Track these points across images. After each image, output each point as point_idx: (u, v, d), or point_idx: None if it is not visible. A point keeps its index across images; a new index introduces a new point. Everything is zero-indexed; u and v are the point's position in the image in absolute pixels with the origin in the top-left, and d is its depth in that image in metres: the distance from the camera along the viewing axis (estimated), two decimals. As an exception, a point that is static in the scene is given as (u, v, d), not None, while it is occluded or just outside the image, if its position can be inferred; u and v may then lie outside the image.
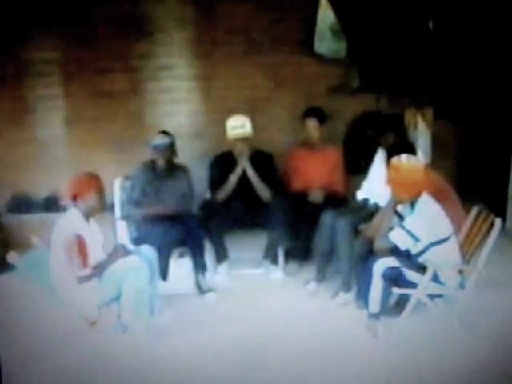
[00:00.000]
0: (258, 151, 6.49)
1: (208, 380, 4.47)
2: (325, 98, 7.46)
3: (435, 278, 4.81)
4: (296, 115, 7.09)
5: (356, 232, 5.65)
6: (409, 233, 4.80)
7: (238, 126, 6.35)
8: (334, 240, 5.79)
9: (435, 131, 7.24)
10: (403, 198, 4.94)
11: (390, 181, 4.95)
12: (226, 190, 6.38)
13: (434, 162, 6.75)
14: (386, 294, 4.89)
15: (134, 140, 6.67)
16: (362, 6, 6.66)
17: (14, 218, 7.28)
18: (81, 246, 4.72)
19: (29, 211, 7.34)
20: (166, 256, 5.71)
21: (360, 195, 6.26)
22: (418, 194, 4.89)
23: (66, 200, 5.00)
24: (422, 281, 4.77)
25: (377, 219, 5.21)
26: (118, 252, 5.13)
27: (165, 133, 6.20)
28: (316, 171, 6.71)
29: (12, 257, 4.71)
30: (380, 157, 6.12)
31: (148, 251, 5.27)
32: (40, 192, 7.35)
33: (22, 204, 7.39)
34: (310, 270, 6.20)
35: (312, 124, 6.66)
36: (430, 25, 6.88)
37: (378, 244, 5.03)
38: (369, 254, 5.18)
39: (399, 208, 5.08)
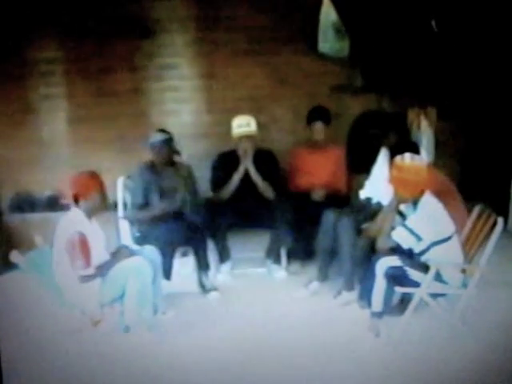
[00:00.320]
0: (260, 150, 6.48)
1: (211, 378, 4.47)
2: (328, 97, 7.47)
3: (438, 277, 4.81)
4: (299, 114, 7.09)
5: (358, 231, 5.65)
6: (411, 232, 4.80)
7: (244, 124, 6.34)
8: (336, 239, 5.78)
9: (438, 131, 7.23)
10: (406, 197, 4.94)
11: (393, 180, 4.95)
12: (228, 189, 6.38)
13: (437, 162, 6.74)
14: (389, 293, 4.90)
15: (137, 139, 6.66)
16: (365, 5, 6.67)
17: (17, 217, 7.29)
18: (83, 245, 4.72)
19: (32, 210, 7.35)
20: (169, 255, 5.69)
21: (363, 194, 6.25)
22: (421, 193, 4.88)
23: (67, 200, 4.98)
24: (425, 280, 4.76)
25: (379, 218, 5.21)
26: (122, 253, 5.14)
27: (162, 131, 6.16)
28: (319, 170, 6.71)
29: (15, 256, 4.71)
30: (383, 156, 6.12)
31: (151, 251, 5.27)
32: (43, 191, 7.35)
33: (25, 203, 7.40)
34: (312, 270, 6.19)
35: (318, 127, 6.64)
36: (433, 24, 6.88)
37: (381, 243, 5.02)
38: (371, 253, 5.19)
39: (402, 207, 5.07)
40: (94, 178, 5.03)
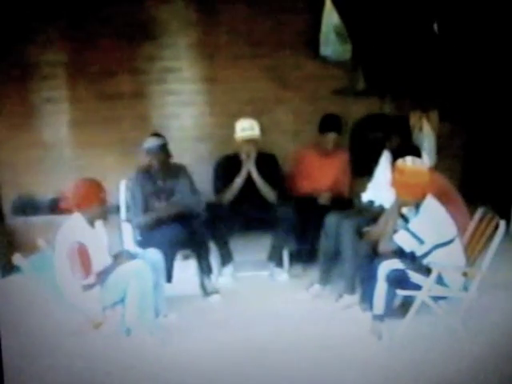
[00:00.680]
0: (262, 153, 6.48)
1: (212, 381, 4.48)
2: (330, 100, 7.47)
3: (439, 280, 4.82)
4: (301, 118, 7.11)
5: (360, 234, 5.65)
6: (413, 235, 4.81)
7: (247, 127, 6.36)
8: (338, 242, 5.79)
9: (440, 133, 7.24)
10: (408, 201, 4.95)
11: (395, 183, 4.96)
12: (231, 192, 6.39)
13: (439, 164, 6.74)
14: (391, 296, 4.90)
15: (139, 142, 6.63)
16: (367, 8, 6.67)
17: (20, 219, 7.28)
18: (83, 255, 4.70)
19: (34, 213, 7.34)
20: (170, 258, 5.69)
21: (365, 197, 6.25)
22: (423, 197, 4.89)
23: (68, 208, 4.98)
24: (427, 283, 4.78)
25: (381, 221, 5.22)
26: (123, 256, 5.15)
27: (156, 135, 6.16)
28: (324, 173, 6.73)
29: (17, 259, 4.71)
30: (385, 159, 6.12)
31: (154, 254, 5.28)
32: (46, 194, 7.35)
33: (28, 206, 7.39)
34: (314, 273, 6.19)
35: (330, 137, 6.64)
36: (435, 27, 6.88)
37: (383, 246, 5.03)
38: (373, 256, 5.19)
39: (404, 210, 5.08)
40: (95, 187, 5.03)
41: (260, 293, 6.11)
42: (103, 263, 4.98)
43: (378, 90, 7.44)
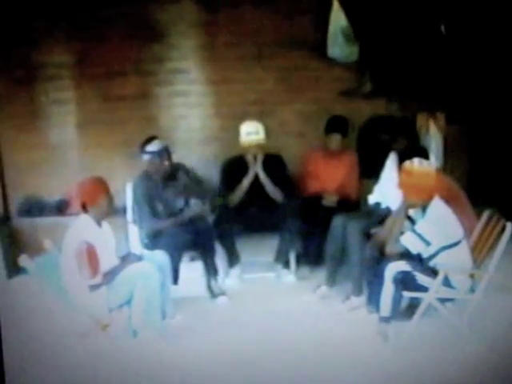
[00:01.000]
0: (269, 155, 6.48)
1: (219, 382, 4.48)
2: (337, 102, 7.46)
3: (446, 282, 4.81)
4: (307, 119, 7.11)
5: (367, 236, 5.65)
6: (420, 237, 4.80)
7: (253, 132, 6.35)
8: (345, 244, 5.79)
9: (447, 135, 7.23)
10: (415, 202, 4.94)
11: (402, 185, 4.95)
12: (238, 194, 6.39)
13: (446, 166, 6.74)
14: (397, 297, 4.88)
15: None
16: (374, 10, 6.66)
17: (26, 221, 7.29)
18: (91, 255, 4.71)
19: (41, 214, 7.34)
20: (176, 260, 5.69)
21: (372, 199, 6.24)
22: (430, 198, 4.88)
23: (74, 207, 4.99)
24: (433, 285, 4.76)
25: (388, 223, 5.21)
26: (129, 258, 5.15)
27: (154, 138, 6.06)
28: (332, 175, 6.72)
29: (24, 260, 4.72)
30: (392, 161, 6.11)
31: (161, 256, 5.29)
32: (52, 195, 7.36)
33: (35, 207, 7.39)
34: (321, 274, 6.19)
35: (335, 138, 6.64)
36: (443, 29, 6.87)
37: (390, 248, 5.01)
38: (380, 258, 5.18)
39: (411, 212, 5.07)
40: (100, 183, 5.05)
41: (267, 294, 6.12)
42: (110, 263, 4.98)
43: (385, 91, 7.43)
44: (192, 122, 7.60)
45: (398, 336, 4.90)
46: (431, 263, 4.90)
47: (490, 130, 7.41)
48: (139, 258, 5.17)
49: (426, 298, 4.83)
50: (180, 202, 6.12)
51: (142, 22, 7.21)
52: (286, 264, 6.51)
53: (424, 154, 5.47)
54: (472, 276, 4.92)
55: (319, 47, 7.29)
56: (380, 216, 5.73)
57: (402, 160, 5.27)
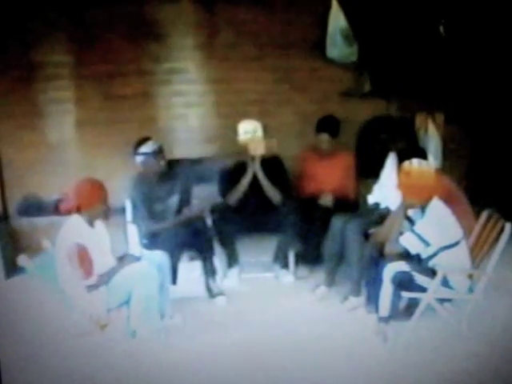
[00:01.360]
0: (267, 155, 6.47)
1: (218, 383, 4.48)
2: (336, 102, 7.47)
3: (445, 283, 4.81)
4: (307, 119, 7.10)
5: (366, 236, 5.65)
6: (419, 237, 4.80)
7: (251, 130, 6.34)
8: (344, 244, 5.79)
9: (446, 136, 7.24)
10: (414, 203, 4.94)
11: (401, 185, 4.95)
12: (237, 193, 6.38)
13: (445, 167, 6.74)
14: (396, 298, 4.89)
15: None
16: (374, 10, 6.67)
17: (25, 220, 7.28)
18: (83, 257, 4.69)
19: (39, 214, 7.33)
20: (175, 260, 5.69)
21: (371, 199, 6.25)
22: (429, 199, 4.88)
23: (68, 209, 4.97)
24: (432, 285, 4.77)
25: (387, 223, 5.21)
26: (127, 259, 5.15)
27: (147, 139, 5.99)
28: (328, 176, 6.71)
29: (22, 259, 4.71)
30: (391, 161, 6.12)
31: (160, 256, 5.28)
32: (50, 195, 7.34)
33: (33, 207, 7.38)
34: (320, 274, 6.19)
35: (323, 138, 6.64)
36: (441, 29, 6.88)
37: (389, 248, 5.02)
38: (379, 258, 5.18)
39: (410, 212, 5.08)
40: (97, 187, 5.01)
41: (265, 294, 6.12)
42: (106, 263, 4.97)
43: (384, 92, 7.44)
44: (191, 122, 7.60)
45: (396, 336, 4.91)
46: (430, 263, 4.90)
47: (489, 130, 7.41)
48: (137, 258, 5.16)
49: (425, 299, 4.84)
50: (176, 201, 6.11)
51: (141, 21, 7.21)
52: (285, 264, 6.50)
53: (422, 154, 5.48)
54: (471, 276, 4.94)
55: (318, 47, 7.30)
56: (379, 216, 5.73)
57: (400, 160, 5.28)
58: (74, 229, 4.86)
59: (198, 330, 5.30)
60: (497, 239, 4.84)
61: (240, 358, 4.80)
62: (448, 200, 5.00)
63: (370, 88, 7.47)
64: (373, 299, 5.22)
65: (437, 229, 4.78)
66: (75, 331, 4.99)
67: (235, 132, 6.45)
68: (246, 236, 6.41)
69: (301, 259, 6.59)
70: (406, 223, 5.06)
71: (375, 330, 5.03)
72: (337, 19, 7.09)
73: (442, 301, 4.93)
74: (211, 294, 6.02)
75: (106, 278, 4.87)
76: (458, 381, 4.41)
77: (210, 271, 6.06)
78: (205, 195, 6.54)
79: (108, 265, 4.99)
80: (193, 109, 7.59)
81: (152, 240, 5.87)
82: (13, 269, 6.18)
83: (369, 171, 6.70)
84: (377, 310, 5.04)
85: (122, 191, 6.22)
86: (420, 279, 4.84)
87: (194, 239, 5.95)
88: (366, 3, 6.76)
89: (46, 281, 4.87)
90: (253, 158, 6.34)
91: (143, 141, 5.98)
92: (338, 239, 5.84)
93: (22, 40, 7.05)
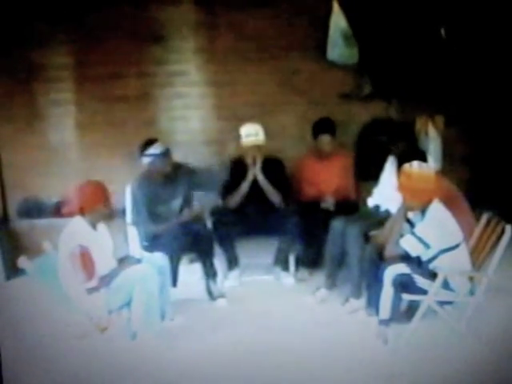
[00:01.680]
0: (268, 158, 6.48)
1: (218, 385, 4.49)
2: (336, 104, 7.47)
3: (445, 285, 4.81)
4: (307, 122, 7.10)
5: (367, 238, 5.65)
6: (419, 240, 4.80)
7: (252, 133, 6.34)
8: (344, 246, 5.79)
9: (446, 138, 7.24)
10: (414, 205, 4.94)
11: (402, 188, 4.95)
12: (237, 196, 6.39)
13: (445, 169, 6.73)
14: (397, 300, 4.88)
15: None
16: (375, 12, 6.68)
17: (25, 222, 7.29)
18: (85, 259, 4.69)
19: (40, 216, 7.34)
20: (175, 262, 5.67)
21: (371, 202, 6.24)
22: (429, 201, 4.88)
23: (70, 211, 4.97)
24: (432, 287, 4.77)
25: (388, 226, 5.21)
26: (128, 261, 5.15)
27: (154, 141, 6.02)
28: (327, 178, 6.71)
29: (23, 261, 4.71)
30: (391, 164, 6.11)
31: (160, 258, 5.28)
32: (51, 197, 7.35)
33: (34, 209, 7.39)
34: (320, 277, 6.19)
35: (325, 139, 6.64)
36: (442, 32, 6.88)
37: (389, 251, 5.02)
38: (379, 261, 5.18)
39: (410, 215, 5.07)
40: (100, 189, 5.02)
41: (266, 297, 6.11)
42: (108, 266, 4.98)
43: (385, 94, 7.44)
44: (192, 124, 7.61)
45: (397, 339, 4.90)
46: (430, 266, 4.90)
47: (489, 132, 7.41)
48: (138, 260, 5.16)
49: (425, 301, 4.83)
50: (179, 204, 6.11)
51: (142, 24, 7.22)
52: (285, 266, 6.50)
53: (422, 157, 5.47)
54: (471, 279, 4.93)
55: (319, 50, 7.30)
56: (379, 218, 5.72)
57: (400, 163, 5.28)
58: (76, 231, 4.87)
59: (199, 332, 5.30)
60: (497, 242, 4.83)
61: (240, 360, 4.80)
62: (448, 202, 5.00)
63: (370, 90, 7.47)
64: (373, 302, 5.21)
65: (437, 231, 4.78)
66: (76, 333, 4.99)
67: (235, 134, 6.46)
68: (246, 238, 6.41)
69: (301, 261, 6.58)
70: (406, 226, 5.06)
71: (376, 332, 5.02)
72: (338, 21, 7.09)
73: (442, 303, 4.92)
74: (212, 296, 6.01)
75: (107, 280, 4.87)
76: (459, 383, 4.41)
77: (210, 274, 6.05)
78: (205, 198, 6.53)
79: (109, 267, 4.99)
80: (193, 111, 7.60)
81: (152, 242, 5.88)
82: (13, 270, 6.18)
83: (369, 174, 6.69)
84: (377, 312, 5.03)
85: (122, 193, 6.23)
86: (420, 282, 4.84)
87: (194, 242, 5.94)
88: (367, 5, 6.77)
89: (47, 283, 4.88)
90: (254, 161, 6.35)
91: (151, 142, 6.00)
92: (338, 242, 5.84)
93: (24, 42, 7.06)
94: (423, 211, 4.92)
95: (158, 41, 7.30)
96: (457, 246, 4.84)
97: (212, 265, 6.07)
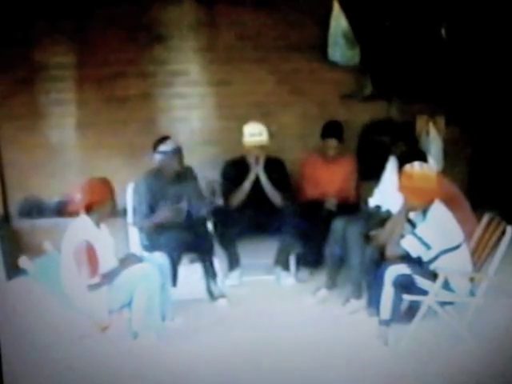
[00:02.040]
0: (270, 158, 6.49)
1: (218, 385, 4.49)
2: (337, 104, 7.48)
3: (446, 286, 4.81)
4: (308, 122, 7.11)
5: (367, 239, 5.64)
6: (420, 240, 4.80)
7: (256, 133, 6.35)
8: (345, 247, 5.78)
9: (447, 138, 7.24)
10: (415, 205, 4.94)
11: (403, 188, 4.95)
12: (239, 196, 6.40)
13: (446, 169, 6.73)
14: (397, 301, 4.89)
15: (146, 145, 6.65)
16: (375, 13, 6.67)
17: (26, 222, 7.28)
18: (90, 255, 4.71)
19: (41, 215, 7.33)
20: (175, 262, 5.66)
21: (372, 202, 6.24)
22: (430, 202, 4.88)
23: (77, 207, 4.97)
24: (433, 288, 4.77)
25: (389, 226, 5.21)
26: (129, 260, 5.15)
27: (167, 137, 6.08)
28: (332, 180, 6.73)
29: (24, 261, 4.71)
30: (392, 164, 6.11)
31: (160, 258, 5.28)
32: (52, 196, 7.35)
33: (35, 208, 7.38)
34: (321, 277, 6.19)
35: (331, 143, 6.66)
36: (443, 32, 6.88)
37: (390, 251, 5.02)
38: (380, 261, 5.18)
39: (411, 215, 5.07)
40: (107, 184, 5.05)
41: (266, 297, 6.11)
42: (109, 264, 4.98)
43: (386, 94, 7.44)
44: (193, 124, 7.61)
45: (397, 339, 4.90)
46: (431, 266, 4.90)
47: (490, 132, 7.41)
48: (139, 260, 5.16)
49: (426, 302, 4.83)
50: (184, 203, 6.11)
51: (143, 23, 7.21)
52: (286, 267, 6.49)
53: (423, 157, 5.47)
54: (472, 279, 4.93)
55: (320, 50, 7.30)
56: (380, 219, 5.72)
57: (401, 163, 5.28)
58: (82, 228, 4.88)
59: (200, 331, 5.30)
60: (498, 242, 4.84)
61: (241, 360, 4.80)
62: (449, 203, 5.00)
63: (371, 91, 7.47)
64: (374, 302, 5.22)
65: (438, 232, 4.78)
66: (77, 333, 4.99)
67: (237, 134, 6.46)
68: (247, 238, 6.41)
69: (302, 262, 6.57)
70: (407, 226, 5.06)
71: (376, 332, 5.01)
72: (338, 21, 7.09)
73: (443, 304, 4.92)
74: (212, 296, 6.01)
75: (109, 278, 4.87)
76: (460, 383, 4.41)
77: (210, 273, 6.05)
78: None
79: (111, 266, 4.99)
80: (194, 111, 7.60)
81: (153, 242, 5.87)
82: (14, 270, 6.16)
83: (370, 174, 6.69)
84: (378, 312, 5.03)
85: (123, 193, 6.22)
86: (421, 282, 4.85)
87: (195, 241, 5.94)
88: (368, 6, 6.76)
89: (47, 283, 4.88)
90: (256, 161, 6.35)
91: (163, 139, 6.04)
92: (339, 242, 5.84)
93: (25, 42, 7.05)
94: (424, 212, 4.92)
95: (158, 40, 7.30)
96: (458, 246, 4.84)
97: (212, 265, 6.07)
